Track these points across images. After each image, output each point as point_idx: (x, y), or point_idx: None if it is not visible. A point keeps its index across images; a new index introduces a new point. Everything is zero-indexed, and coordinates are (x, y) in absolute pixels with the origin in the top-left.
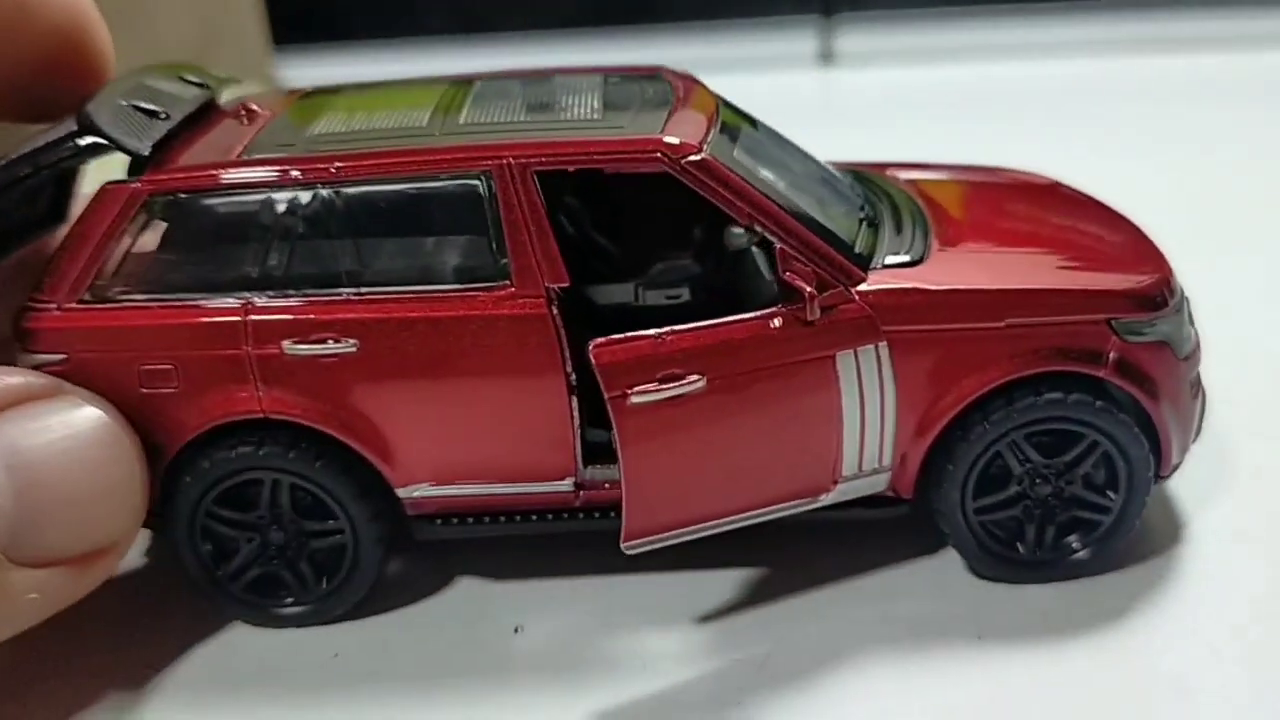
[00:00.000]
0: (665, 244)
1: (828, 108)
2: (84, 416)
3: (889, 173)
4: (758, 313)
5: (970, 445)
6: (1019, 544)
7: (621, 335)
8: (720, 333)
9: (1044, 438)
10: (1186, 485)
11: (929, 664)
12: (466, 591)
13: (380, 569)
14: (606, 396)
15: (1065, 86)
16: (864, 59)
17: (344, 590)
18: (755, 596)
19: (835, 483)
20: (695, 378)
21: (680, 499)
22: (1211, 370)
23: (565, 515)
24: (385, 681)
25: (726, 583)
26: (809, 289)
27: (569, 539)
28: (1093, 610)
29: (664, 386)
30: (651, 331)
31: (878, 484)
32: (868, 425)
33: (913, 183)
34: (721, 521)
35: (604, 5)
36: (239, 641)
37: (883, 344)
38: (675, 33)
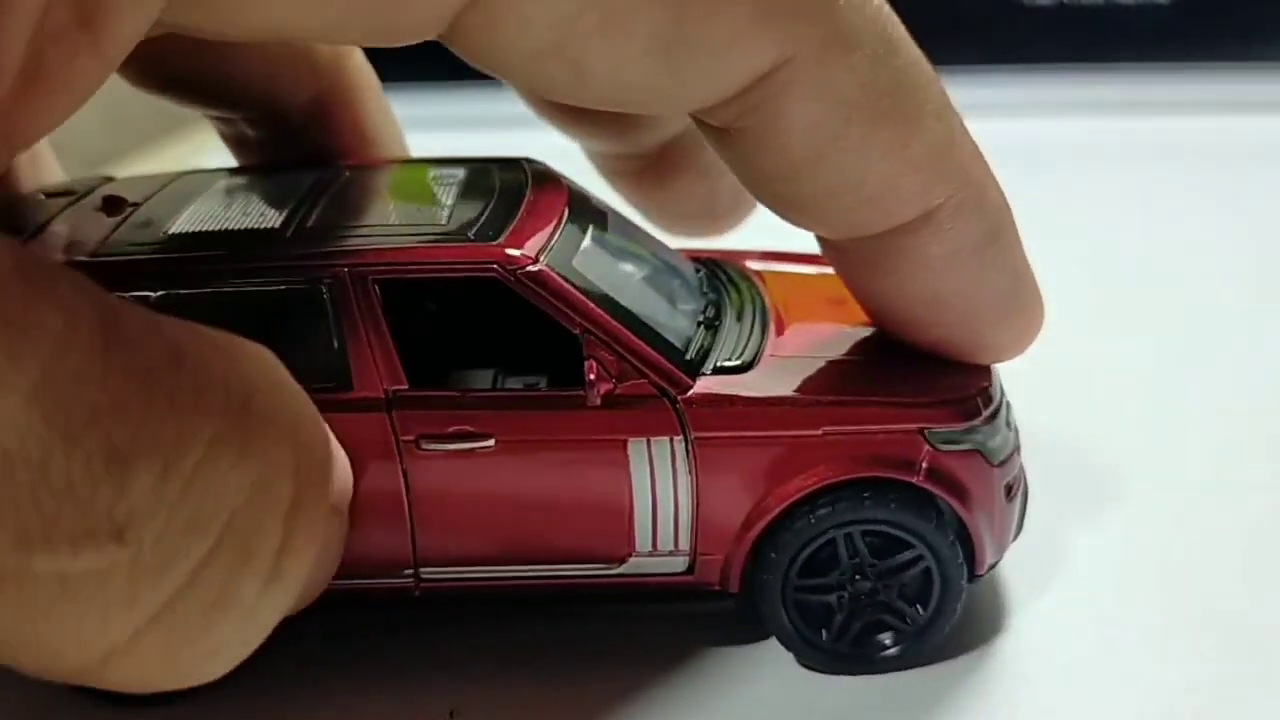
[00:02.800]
0: (538, 330)
1: None
2: None
3: (745, 263)
4: (557, 391)
5: (797, 535)
6: (823, 631)
7: (426, 390)
8: (515, 402)
9: (875, 539)
10: (1014, 576)
11: None
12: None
13: None
14: (399, 439)
15: (1025, 146)
16: None
17: None
18: (684, 678)
19: (630, 554)
20: (486, 439)
21: (467, 538)
22: (1045, 461)
23: (405, 606)
24: None
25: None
26: (591, 376)
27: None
28: (896, 705)
29: (451, 441)
30: (455, 391)
31: (675, 565)
32: (660, 510)
33: (762, 275)
34: (515, 566)
35: None
36: None
37: (679, 438)
38: None
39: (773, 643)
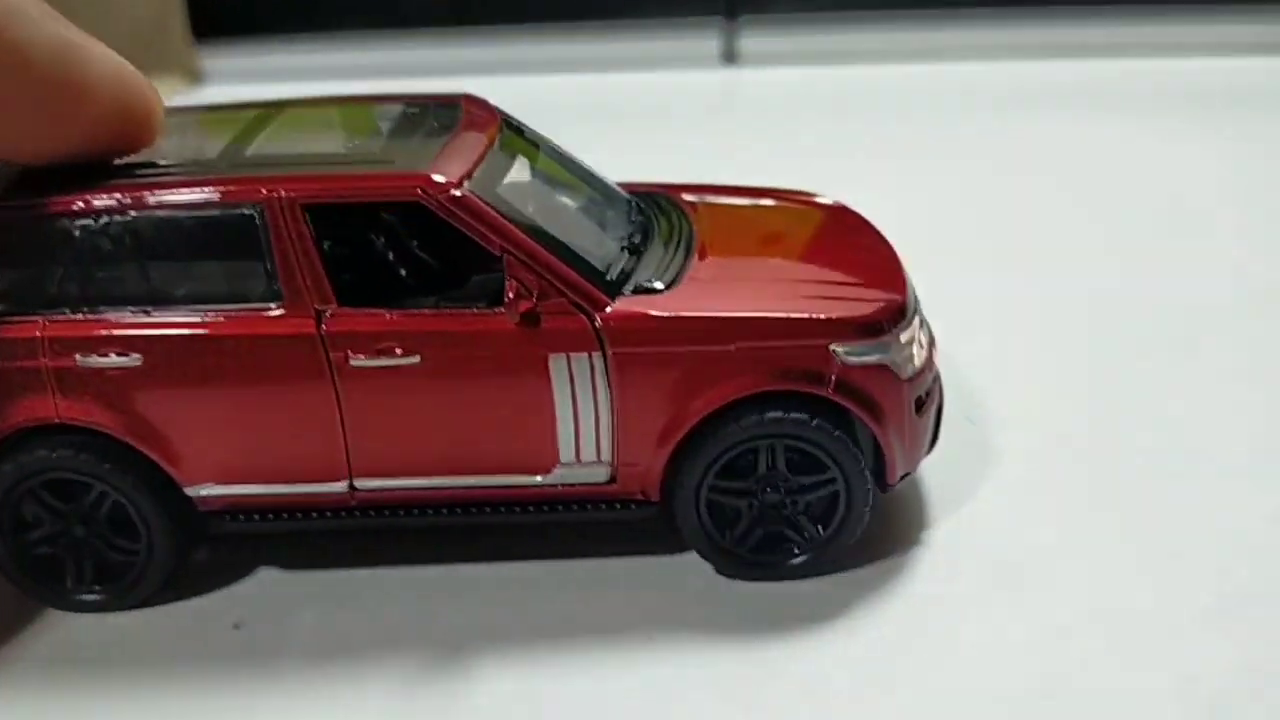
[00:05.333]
0: (471, 258)
1: (730, 106)
2: None
3: (680, 195)
4: (479, 309)
5: (718, 441)
6: (726, 531)
7: (356, 309)
8: (440, 320)
9: (795, 455)
10: (922, 491)
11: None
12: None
13: (175, 562)
14: (330, 356)
15: (962, 88)
16: (766, 59)
17: (137, 588)
18: (516, 590)
19: (554, 465)
20: (412, 355)
21: (398, 450)
22: (962, 381)
23: (343, 513)
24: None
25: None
26: (511, 295)
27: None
28: (791, 610)
29: (379, 357)
30: (382, 310)
31: (598, 475)
32: (582, 422)
33: (694, 205)
34: (445, 478)
35: (516, 3)
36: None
37: (597, 353)
38: (583, 30)
39: (686, 557)
